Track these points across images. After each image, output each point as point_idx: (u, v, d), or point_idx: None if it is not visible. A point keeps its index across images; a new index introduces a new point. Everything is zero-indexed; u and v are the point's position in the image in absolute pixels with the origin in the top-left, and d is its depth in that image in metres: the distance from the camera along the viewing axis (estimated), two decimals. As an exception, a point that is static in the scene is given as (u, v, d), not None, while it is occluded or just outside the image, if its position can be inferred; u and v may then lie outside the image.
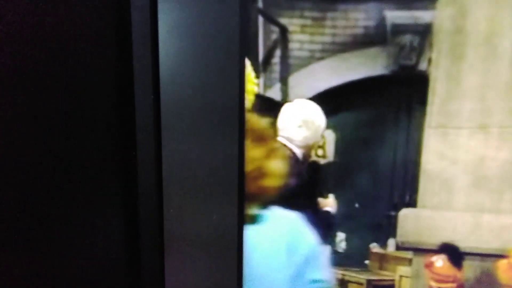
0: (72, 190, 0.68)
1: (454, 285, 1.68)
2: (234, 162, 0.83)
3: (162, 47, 0.76)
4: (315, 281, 1.13)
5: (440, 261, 1.68)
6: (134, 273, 0.85)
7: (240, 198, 0.86)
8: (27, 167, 0.61)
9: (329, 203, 1.78)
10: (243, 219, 0.85)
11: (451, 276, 1.69)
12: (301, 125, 1.62)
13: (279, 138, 1.60)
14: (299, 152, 1.63)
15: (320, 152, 1.91)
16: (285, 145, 1.62)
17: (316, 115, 1.64)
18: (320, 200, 1.74)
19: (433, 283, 1.70)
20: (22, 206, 0.61)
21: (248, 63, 1.67)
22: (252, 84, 1.55)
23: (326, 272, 1.17)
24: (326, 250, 1.65)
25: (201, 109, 0.76)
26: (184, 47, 0.74)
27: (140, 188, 0.83)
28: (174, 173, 0.81)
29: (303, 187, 1.62)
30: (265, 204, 1.07)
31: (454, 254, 1.67)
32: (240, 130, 0.81)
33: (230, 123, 0.79)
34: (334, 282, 1.71)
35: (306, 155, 1.68)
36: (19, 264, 0.62)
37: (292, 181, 1.54)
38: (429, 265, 1.68)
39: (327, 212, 1.75)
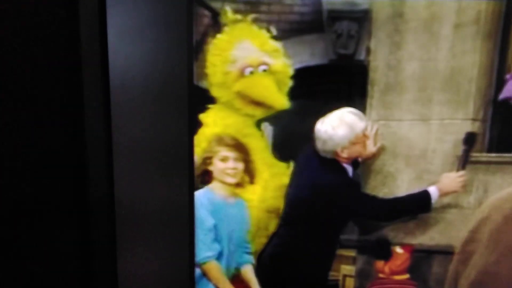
0: (22, 188, 0.72)
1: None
2: (184, 157, 0.83)
3: (111, 45, 0.78)
4: None
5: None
6: (86, 264, 0.86)
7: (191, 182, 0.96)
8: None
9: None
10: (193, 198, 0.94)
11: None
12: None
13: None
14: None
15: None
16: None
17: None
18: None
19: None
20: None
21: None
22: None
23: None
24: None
25: (151, 103, 0.82)
26: (133, 49, 0.79)
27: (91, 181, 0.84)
28: (125, 172, 0.85)
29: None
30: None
31: (384, 248, 1.64)
32: (190, 119, 0.83)
33: (181, 116, 0.81)
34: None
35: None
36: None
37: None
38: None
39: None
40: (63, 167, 0.76)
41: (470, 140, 1.58)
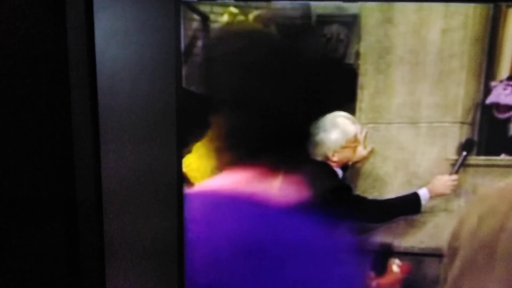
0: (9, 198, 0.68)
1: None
2: (173, 165, 0.83)
3: (99, 48, 0.75)
4: None
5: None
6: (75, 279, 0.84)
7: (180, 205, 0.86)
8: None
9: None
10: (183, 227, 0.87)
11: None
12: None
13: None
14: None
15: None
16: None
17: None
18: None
19: None
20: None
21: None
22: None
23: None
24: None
25: (139, 113, 0.78)
26: (120, 53, 0.75)
27: (79, 196, 0.81)
28: (113, 179, 0.80)
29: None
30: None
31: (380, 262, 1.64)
32: (178, 131, 0.81)
33: (169, 119, 0.82)
34: None
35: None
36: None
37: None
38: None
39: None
40: (50, 171, 0.75)
41: (469, 145, 1.59)
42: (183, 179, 0.82)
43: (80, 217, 0.81)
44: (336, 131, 1.54)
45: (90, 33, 0.74)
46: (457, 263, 0.54)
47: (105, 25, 0.73)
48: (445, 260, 0.51)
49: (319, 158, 1.57)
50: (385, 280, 1.62)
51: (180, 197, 0.81)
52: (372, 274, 1.65)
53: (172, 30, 0.71)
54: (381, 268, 1.64)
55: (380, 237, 1.66)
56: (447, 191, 1.58)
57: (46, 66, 0.71)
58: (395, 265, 1.63)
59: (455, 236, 0.55)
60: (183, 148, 0.81)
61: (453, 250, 0.55)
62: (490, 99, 1.57)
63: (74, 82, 0.75)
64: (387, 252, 1.65)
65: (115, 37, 0.74)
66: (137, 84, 0.76)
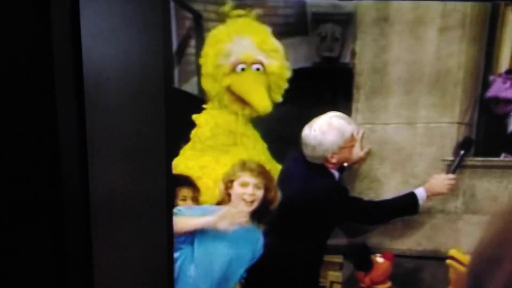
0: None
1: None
2: (162, 165, 0.79)
3: (85, 46, 0.70)
4: None
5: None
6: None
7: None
8: None
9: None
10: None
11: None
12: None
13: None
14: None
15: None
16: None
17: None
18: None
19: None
20: None
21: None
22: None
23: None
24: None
25: (127, 113, 0.73)
26: (107, 51, 0.70)
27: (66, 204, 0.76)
28: (100, 182, 0.76)
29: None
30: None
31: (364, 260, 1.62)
32: (167, 131, 0.78)
33: (157, 118, 0.76)
34: None
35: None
36: None
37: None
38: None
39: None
40: (36, 170, 0.72)
41: (467, 144, 1.56)
42: (172, 181, 0.79)
43: (67, 223, 0.78)
44: (333, 132, 1.50)
45: (76, 30, 0.68)
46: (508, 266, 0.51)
47: (91, 22, 0.70)
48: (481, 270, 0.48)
49: (316, 161, 1.53)
50: (375, 273, 1.61)
51: (169, 204, 0.78)
52: (361, 273, 1.62)
53: (160, 27, 0.67)
54: (368, 265, 1.62)
55: (355, 238, 1.65)
56: (445, 190, 1.55)
57: (29, 67, 0.68)
58: (378, 257, 1.61)
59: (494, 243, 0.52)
60: (172, 150, 0.78)
61: (496, 257, 0.52)
62: (489, 93, 1.55)
63: (59, 82, 0.72)
64: (367, 250, 1.63)
65: (102, 34, 0.70)
66: (125, 83, 0.72)
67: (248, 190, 1.42)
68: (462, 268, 1.50)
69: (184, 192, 1.50)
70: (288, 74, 1.59)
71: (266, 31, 1.58)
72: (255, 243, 1.49)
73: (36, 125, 0.71)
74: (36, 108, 0.71)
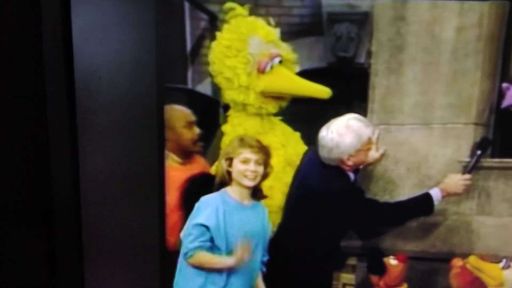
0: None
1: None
2: (154, 165, 0.80)
3: (76, 45, 0.71)
4: None
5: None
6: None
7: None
8: None
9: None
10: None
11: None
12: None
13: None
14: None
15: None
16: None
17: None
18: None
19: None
20: None
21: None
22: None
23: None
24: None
25: (119, 112, 0.74)
26: (98, 49, 0.71)
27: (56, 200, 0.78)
28: (91, 179, 0.77)
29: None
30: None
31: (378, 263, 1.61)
32: (159, 130, 0.78)
33: (149, 116, 0.78)
34: None
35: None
36: None
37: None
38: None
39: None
40: (26, 168, 0.72)
41: (484, 144, 1.54)
42: (164, 179, 0.80)
43: (58, 220, 0.78)
44: (351, 134, 1.48)
45: (67, 28, 0.69)
46: None
47: (82, 21, 0.71)
48: None
49: (332, 163, 1.51)
50: (389, 276, 1.59)
51: (161, 199, 0.79)
52: (375, 277, 1.61)
53: (153, 26, 0.67)
54: (381, 269, 1.60)
55: (369, 242, 1.64)
56: (460, 190, 1.53)
57: (20, 65, 0.69)
58: (392, 260, 1.60)
59: None
60: (164, 148, 0.79)
61: None
62: (505, 103, 1.53)
63: (50, 81, 0.72)
64: (380, 253, 1.62)
65: (93, 33, 0.71)
66: (117, 82, 0.73)
67: (250, 167, 1.41)
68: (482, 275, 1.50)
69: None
70: (295, 57, 1.59)
71: (264, 24, 1.58)
72: (264, 218, 1.49)
73: (26, 124, 0.71)
74: (26, 107, 0.71)
